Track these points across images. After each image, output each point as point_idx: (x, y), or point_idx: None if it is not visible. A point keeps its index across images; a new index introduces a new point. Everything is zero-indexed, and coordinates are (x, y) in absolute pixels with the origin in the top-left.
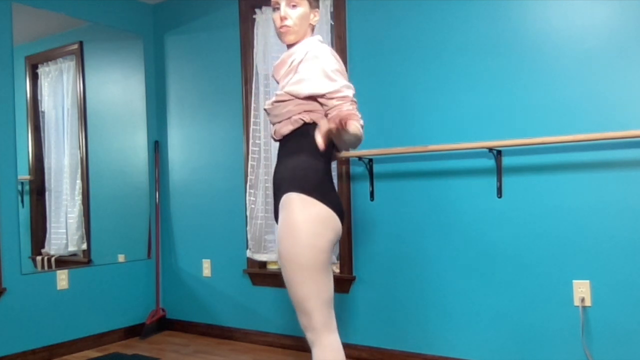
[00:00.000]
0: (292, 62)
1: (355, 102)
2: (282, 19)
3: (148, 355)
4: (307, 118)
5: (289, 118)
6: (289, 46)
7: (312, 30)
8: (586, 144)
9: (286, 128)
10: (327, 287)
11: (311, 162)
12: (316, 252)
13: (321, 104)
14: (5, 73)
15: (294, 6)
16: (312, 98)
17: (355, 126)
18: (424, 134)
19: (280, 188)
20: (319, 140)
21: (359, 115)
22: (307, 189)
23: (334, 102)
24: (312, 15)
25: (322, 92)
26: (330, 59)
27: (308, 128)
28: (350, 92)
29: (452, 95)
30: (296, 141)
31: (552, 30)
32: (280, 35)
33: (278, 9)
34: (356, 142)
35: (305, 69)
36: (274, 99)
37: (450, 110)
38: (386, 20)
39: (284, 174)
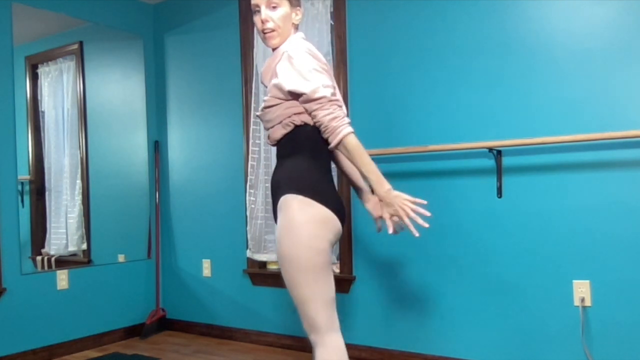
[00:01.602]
0: (275, 66)
1: (333, 100)
2: (264, 21)
3: (148, 355)
4: (298, 121)
5: (280, 122)
6: (274, 50)
7: (296, 28)
8: (586, 144)
9: (279, 133)
10: (328, 287)
11: (307, 163)
12: (315, 254)
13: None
14: (5, 73)
15: (274, 7)
16: (296, 97)
17: (353, 144)
18: (424, 134)
19: (277, 190)
20: (390, 225)
21: (342, 115)
22: (304, 189)
23: (313, 106)
24: (294, 14)
25: (301, 91)
26: (304, 58)
27: (301, 130)
28: (327, 91)
29: (452, 95)
30: (291, 144)
31: (552, 30)
32: (263, 39)
33: (258, 11)
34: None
35: (281, 70)
36: (263, 105)
37: (450, 110)
38: (386, 20)
39: (281, 176)
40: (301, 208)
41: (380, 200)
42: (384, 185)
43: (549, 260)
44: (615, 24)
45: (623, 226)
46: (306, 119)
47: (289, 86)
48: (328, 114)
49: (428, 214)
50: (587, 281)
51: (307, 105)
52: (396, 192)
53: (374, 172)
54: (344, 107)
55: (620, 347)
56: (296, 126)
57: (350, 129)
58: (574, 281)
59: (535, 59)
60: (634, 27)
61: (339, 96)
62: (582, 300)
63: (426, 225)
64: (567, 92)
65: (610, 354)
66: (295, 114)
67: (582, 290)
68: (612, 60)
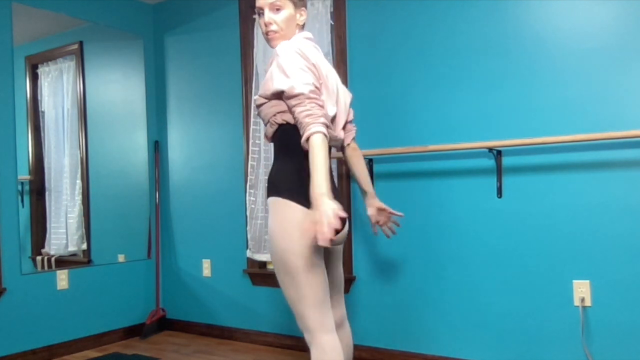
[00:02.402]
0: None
1: (312, 98)
2: (267, 24)
3: (148, 355)
4: (280, 120)
5: (269, 121)
6: None
7: (301, 29)
8: (586, 144)
9: (269, 130)
10: (317, 288)
11: (288, 163)
12: (298, 255)
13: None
14: (5, 73)
15: (277, 10)
16: (280, 97)
17: (315, 142)
18: (423, 134)
19: (267, 192)
20: (305, 227)
21: (319, 113)
22: (283, 191)
23: (292, 102)
24: (298, 15)
25: (280, 88)
26: (291, 57)
27: (284, 129)
28: (306, 88)
29: (452, 95)
30: (279, 143)
31: (552, 30)
32: (267, 41)
33: (262, 14)
34: (328, 145)
35: (270, 70)
36: (254, 104)
37: (450, 110)
38: (386, 20)
39: (269, 177)
40: (281, 211)
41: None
42: (319, 188)
43: (549, 260)
44: (615, 24)
45: (623, 226)
46: (287, 118)
47: (272, 87)
48: (304, 111)
49: (338, 226)
50: (587, 281)
51: (288, 102)
52: (326, 199)
53: (319, 173)
54: (330, 108)
55: (620, 347)
56: (280, 125)
57: (319, 128)
58: (574, 281)
59: (536, 59)
60: (634, 27)
61: (331, 97)
62: (582, 300)
63: (324, 244)
64: (567, 92)
65: (610, 354)
66: (278, 112)
67: (582, 290)
68: (612, 60)
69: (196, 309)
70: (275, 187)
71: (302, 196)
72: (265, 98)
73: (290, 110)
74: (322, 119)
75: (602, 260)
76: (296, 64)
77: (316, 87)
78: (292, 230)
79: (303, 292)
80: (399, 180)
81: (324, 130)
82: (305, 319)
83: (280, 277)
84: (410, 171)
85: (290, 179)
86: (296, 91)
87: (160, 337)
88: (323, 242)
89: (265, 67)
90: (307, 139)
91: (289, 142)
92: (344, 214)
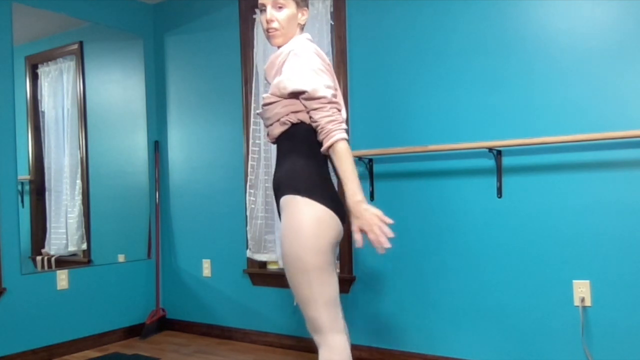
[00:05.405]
0: (279, 63)
1: (333, 102)
2: (269, 21)
3: (148, 355)
4: (294, 119)
5: (278, 120)
6: (278, 47)
7: (302, 29)
8: (586, 144)
9: (277, 130)
10: (331, 287)
11: (305, 162)
12: (317, 254)
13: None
14: (5, 73)
15: (280, 8)
16: (296, 97)
17: (343, 149)
18: (423, 134)
19: (278, 191)
20: (356, 237)
21: (340, 119)
22: (302, 190)
23: (314, 104)
24: (300, 15)
25: (302, 89)
26: (311, 57)
27: (298, 128)
28: (329, 92)
29: (452, 95)
30: (288, 142)
31: (552, 31)
32: (267, 38)
33: (264, 10)
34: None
35: (287, 69)
36: (262, 101)
37: (450, 110)
38: (386, 20)
39: (281, 176)
40: (301, 209)
41: (349, 211)
42: (356, 196)
43: (549, 260)
44: (615, 24)
45: (623, 226)
46: (303, 117)
47: (292, 87)
48: (326, 116)
49: (391, 234)
50: (587, 281)
51: (308, 103)
52: (366, 206)
53: (352, 181)
54: (343, 111)
55: (620, 347)
56: (293, 124)
57: (344, 135)
58: (574, 281)
59: (536, 58)
60: (634, 27)
61: (339, 99)
62: (582, 300)
63: (388, 245)
64: (567, 92)
65: (610, 354)
66: (292, 112)
67: (582, 290)
68: (612, 60)
69: (196, 309)
70: (294, 186)
71: (324, 196)
72: (279, 97)
73: (307, 110)
74: (343, 125)
75: (602, 260)
76: (316, 64)
77: (335, 90)
78: (314, 229)
79: (319, 290)
80: (398, 180)
81: (346, 136)
82: (318, 319)
83: (293, 277)
84: (410, 171)
85: (309, 178)
86: (319, 94)
87: (160, 337)
88: (381, 249)
89: (267, 65)
90: (331, 146)
91: (305, 141)
92: (389, 220)
